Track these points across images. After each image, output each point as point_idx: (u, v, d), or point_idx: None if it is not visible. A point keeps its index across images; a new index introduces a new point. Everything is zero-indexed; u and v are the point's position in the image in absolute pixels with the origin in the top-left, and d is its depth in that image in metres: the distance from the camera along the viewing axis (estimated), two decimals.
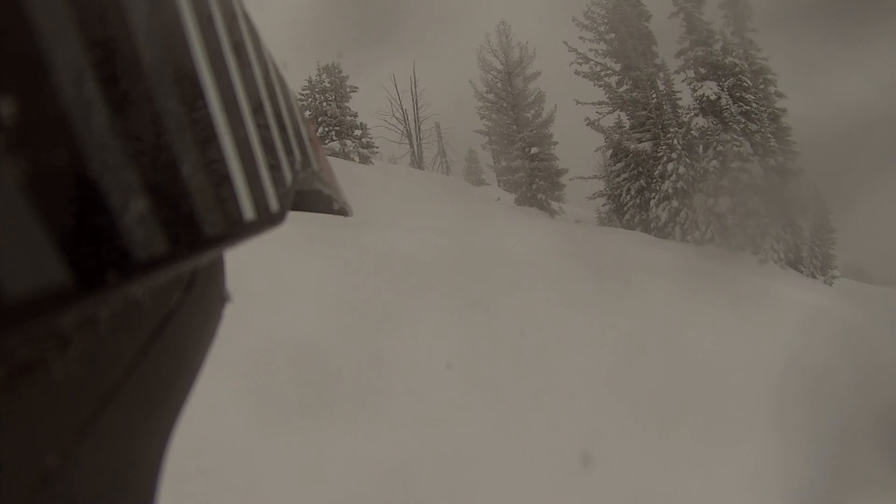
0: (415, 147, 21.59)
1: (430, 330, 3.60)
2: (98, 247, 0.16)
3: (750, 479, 2.99)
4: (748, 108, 14.38)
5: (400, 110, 22.86)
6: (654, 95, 15.24)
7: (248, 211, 0.27)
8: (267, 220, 0.29)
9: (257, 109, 0.32)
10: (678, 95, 15.65)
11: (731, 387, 4.33)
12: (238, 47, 0.30)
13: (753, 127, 14.35)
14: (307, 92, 18.39)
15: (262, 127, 0.32)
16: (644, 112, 15.18)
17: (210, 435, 2.71)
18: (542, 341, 3.95)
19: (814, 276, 15.65)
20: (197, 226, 0.22)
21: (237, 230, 0.25)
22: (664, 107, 15.15)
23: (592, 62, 15.26)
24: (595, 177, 16.53)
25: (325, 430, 2.81)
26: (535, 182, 15.73)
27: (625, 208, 15.40)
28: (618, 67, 15.33)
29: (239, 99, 0.28)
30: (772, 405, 4.03)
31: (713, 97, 14.09)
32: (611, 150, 15.59)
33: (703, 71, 14.57)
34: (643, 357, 4.34)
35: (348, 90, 17.97)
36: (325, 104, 17.80)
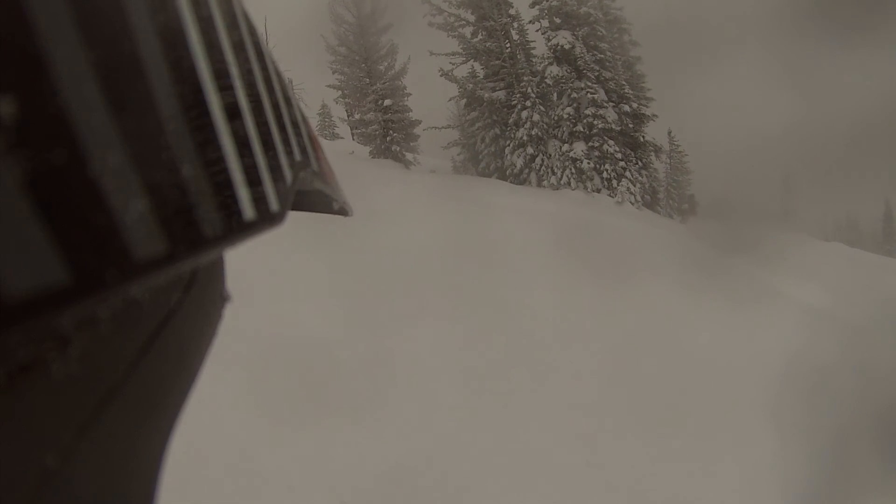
0: None
1: (430, 329, 3.61)
2: (98, 247, 0.16)
3: (750, 479, 2.99)
4: (602, 56, 15.01)
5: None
6: (509, 45, 15.56)
7: (248, 211, 0.27)
8: (267, 220, 0.29)
9: (257, 109, 0.32)
10: (532, 45, 16.11)
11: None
12: (238, 47, 0.30)
13: (608, 75, 15.01)
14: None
15: (262, 127, 0.32)
16: (498, 62, 15.50)
17: (210, 434, 2.72)
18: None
19: (671, 216, 16.39)
20: (197, 226, 0.22)
21: (237, 230, 0.25)
22: (518, 56, 15.55)
23: (446, 13, 15.47)
24: (449, 126, 16.72)
25: (325, 430, 2.81)
26: (390, 134, 15.78)
27: (480, 157, 15.82)
28: (472, 18, 15.56)
29: (239, 99, 0.28)
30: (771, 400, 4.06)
31: (567, 46, 14.59)
32: (465, 100, 15.93)
33: (557, 21, 15.03)
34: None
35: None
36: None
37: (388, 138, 15.76)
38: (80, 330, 0.18)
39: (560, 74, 14.80)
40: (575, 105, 14.60)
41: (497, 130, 15.44)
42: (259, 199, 0.28)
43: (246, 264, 3.57)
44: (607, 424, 3.12)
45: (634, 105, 15.48)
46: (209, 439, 2.64)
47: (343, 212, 0.69)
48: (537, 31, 15.53)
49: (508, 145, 14.96)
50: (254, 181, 0.28)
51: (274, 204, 0.31)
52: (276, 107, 0.37)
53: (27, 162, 0.14)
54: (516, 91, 15.10)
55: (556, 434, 2.98)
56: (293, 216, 0.41)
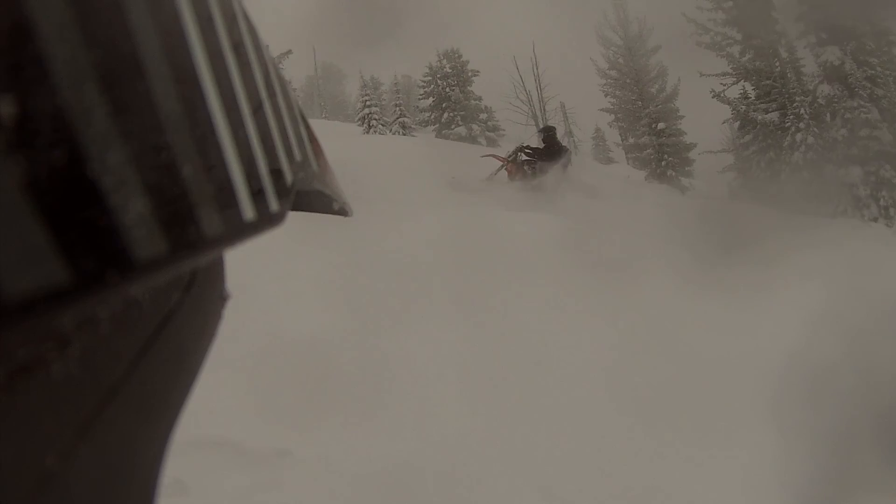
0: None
1: (431, 328, 3.60)
2: (98, 247, 0.16)
3: (751, 478, 3.00)
4: (873, 72, 13.59)
5: (524, 91, 22.02)
6: (778, 63, 14.42)
7: (248, 211, 0.27)
8: (267, 220, 0.29)
9: (257, 109, 0.32)
10: (802, 63, 14.67)
11: None
12: (238, 47, 0.30)
13: (880, 92, 13.55)
14: (429, 78, 18.30)
15: (262, 127, 0.32)
16: (769, 81, 14.39)
17: (210, 434, 2.71)
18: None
19: None
20: (197, 226, 0.22)
21: (237, 230, 0.25)
22: (788, 75, 14.32)
23: (713, 32, 14.40)
24: (724, 150, 15.61)
25: (325, 429, 2.81)
26: (665, 158, 15.31)
27: (756, 182, 14.43)
28: (739, 36, 14.45)
29: (239, 99, 0.28)
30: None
31: (836, 62, 13.32)
32: (738, 123, 14.80)
33: (824, 36, 13.65)
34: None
35: (470, 74, 17.72)
36: (447, 90, 17.69)
37: (662, 162, 15.30)
38: (80, 330, 0.18)
39: (831, 93, 13.36)
40: (849, 126, 13.09)
41: (772, 154, 14.10)
42: (259, 200, 0.28)
43: (246, 264, 3.56)
44: (608, 423, 3.12)
45: None
46: (209, 438, 2.64)
47: (343, 212, 0.69)
48: (804, 47, 14.05)
49: (784, 170, 13.56)
50: (254, 181, 0.28)
51: (274, 204, 0.31)
52: (276, 107, 0.37)
53: (27, 162, 0.14)
54: (789, 112, 13.75)
55: (556, 433, 2.98)
56: (293, 216, 0.41)
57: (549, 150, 9.51)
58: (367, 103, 18.10)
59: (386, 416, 2.91)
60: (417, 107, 19.89)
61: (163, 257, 0.19)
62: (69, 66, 0.16)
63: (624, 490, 2.70)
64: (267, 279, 3.71)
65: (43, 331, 0.17)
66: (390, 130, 17.43)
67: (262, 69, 0.36)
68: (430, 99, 18.60)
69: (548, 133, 9.86)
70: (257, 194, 0.28)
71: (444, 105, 17.99)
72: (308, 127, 0.52)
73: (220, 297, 0.36)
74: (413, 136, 16.60)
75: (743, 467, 3.12)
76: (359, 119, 17.98)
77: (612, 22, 16.65)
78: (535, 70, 21.37)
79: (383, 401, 2.99)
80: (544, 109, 21.52)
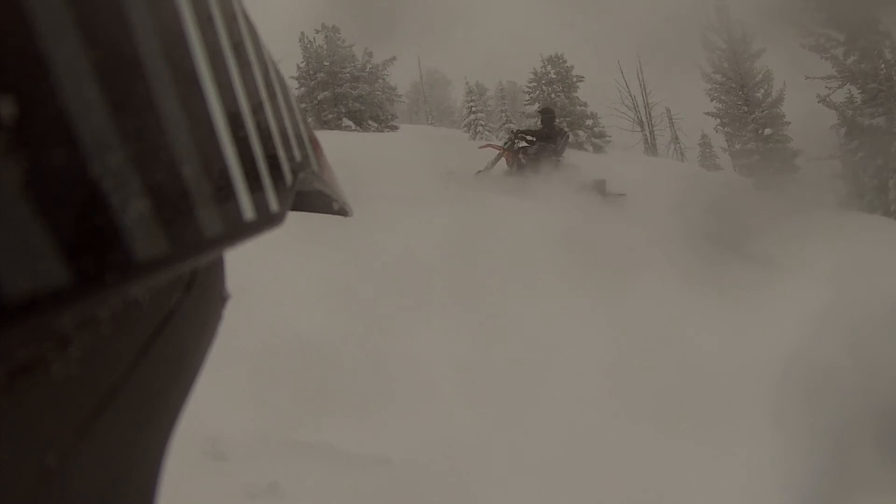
0: (647, 134, 20.70)
1: (431, 328, 3.60)
2: (98, 247, 0.16)
3: (751, 478, 3.00)
4: None
5: (629, 97, 21.48)
6: (883, 66, 13.79)
7: (248, 211, 0.27)
8: (267, 220, 0.29)
9: (257, 109, 0.32)
10: None
11: None
12: (238, 47, 0.30)
13: None
14: (534, 84, 18.08)
15: (262, 127, 0.32)
16: (874, 85, 13.72)
17: (306, 437, 2.70)
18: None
19: None
20: (197, 226, 0.22)
21: (237, 230, 0.25)
22: (894, 77, 13.66)
23: (816, 34, 13.77)
24: (831, 157, 14.84)
25: (326, 429, 2.81)
26: (772, 165, 14.63)
27: (863, 190, 13.90)
28: (842, 38, 13.85)
29: (239, 99, 0.28)
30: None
31: None
32: (845, 128, 14.03)
33: None
34: None
35: (574, 80, 17.56)
36: (552, 95, 17.38)
37: (769, 170, 14.55)
38: (80, 330, 0.18)
39: None
40: None
41: (880, 161, 13.44)
42: (259, 200, 0.28)
43: (246, 264, 3.56)
44: (608, 423, 3.12)
45: None
46: (210, 438, 2.64)
47: (343, 212, 0.69)
48: None
49: (893, 177, 13.04)
50: (254, 181, 0.28)
51: (274, 204, 0.31)
52: (276, 107, 0.37)
53: (27, 162, 0.14)
54: None
55: (556, 432, 2.98)
56: (293, 216, 0.41)
57: (547, 132, 9.34)
58: (473, 109, 17.99)
59: (386, 415, 2.91)
60: (523, 112, 19.39)
61: (163, 257, 0.19)
62: (69, 66, 0.16)
63: (624, 489, 2.70)
64: (267, 279, 3.71)
65: (43, 331, 0.17)
66: (496, 136, 17.05)
67: (262, 69, 0.36)
68: (536, 105, 18.01)
69: (546, 115, 9.72)
70: (257, 194, 0.28)
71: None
72: (308, 127, 0.52)
73: (221, 298, 0.36)
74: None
75: (744, 467, 3.12)
76: (465, 125, 17.90)
77: (714, 24, 16.05)
78: (640, 75, 20.81)
79: (383, 399, 2.99)
80: (650, 115, 20.96)
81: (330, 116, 17.45)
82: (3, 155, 0.14)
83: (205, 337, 0.33)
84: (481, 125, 17.66)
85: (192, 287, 0.29)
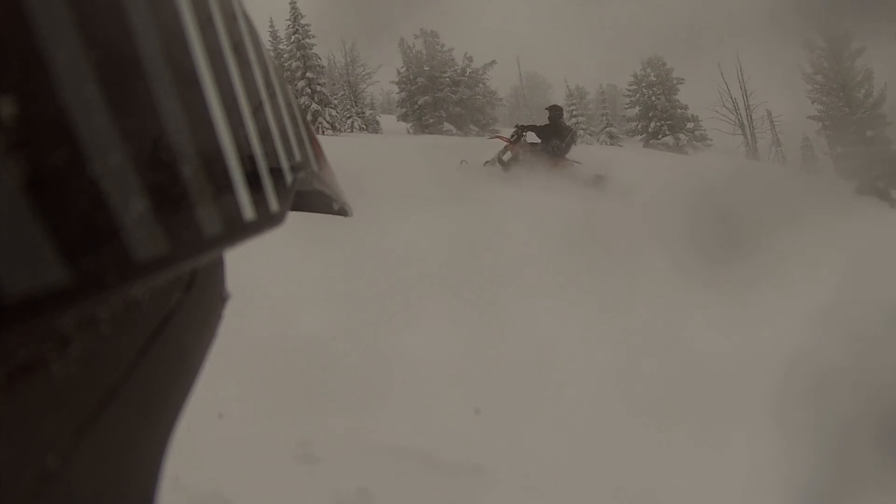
0: (748, 137, 20.03)
1: (431, 328, 3.60)
2: (98, 247, 0.16)
3: (752, 478, 3.00)
4: None
5: (730, 99, 20.66)
6: None
7: (248, 211, 0.27)
8: (267, 220, 0.29)
9: (257, 110, 0.32)
10: None
11: None
12: (238, 47, 0.30)
13: None
14: (634, 87, 17.98)
15: (262, 127, 0.32)
16: None
17: (397, 443, 2.69)
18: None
19: None
20: (197, 226, 0.22)
21: (237, 230, 0.25)
22: None
23: None
24: None
25: (326, 430, 2.81)
26: (875, 168, 14.05)
27: None
28: None
29: (239, 99, 0.28)
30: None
31: None
32: None
33: None
34: None
35: (675, 82, 17.38)
36: (653, 98, 17.26)
37: (872, 173, 14.04)
38: (80, 330, 0.18)
39: None
40: None
41: None
42: (259, 200, 0.28)
43: (246, 264, 3.57)
44: (609, 423, 3.12)
45: None
46: (210, 438, 2.64)
47: (343, 212, 0.69)
48: None
49: None
50: (254, 182, 0.28)
51: (274, 204, 0.31)
52: (276, 107, 0.37)
53: (27, 162, 0.14)
54: None
55: (556, 431, 2.98)
56: (293, 216, 0.41)
57: (553, 128, 9.44)
58: (574, 113, 17.80)
59: (386, 416, 2.91)
60: (624, 116, 19.30)
61: (163, 258, 0.19)
62: (69, 67, 0.16)
63: (624, 489, 2.70)
64: (267, 279, 3.71)
65: (43, 331, 0.17)
66: (597, 140, 17.04)
67: (262, 69, 0.36)
68: (637, 108, 18.16)
69: (554, 112, 9.81)
70: (257, 194, 0.28)
71: (650, 114, 17.52)
72: (308, 127, 0.52)
73: (221, 298, 0.36)
74: (620, 146, 15.98)
75: (744, 466, 3.12)
76: None
77: (814, 24, 15.35)
78: (740, 77, 20.12)
79: (383, 400, 2.99)
80: (751, 117, 20.43)
81: (431, 121, 17.66)
82: (3, 155, 0.14)
83: (205, 337, 0.33)
84: (582, 129, 17.28)
85: (192, 287, 0.29)
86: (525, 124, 9.66)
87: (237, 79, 0.29)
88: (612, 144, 16.70)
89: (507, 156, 9.12)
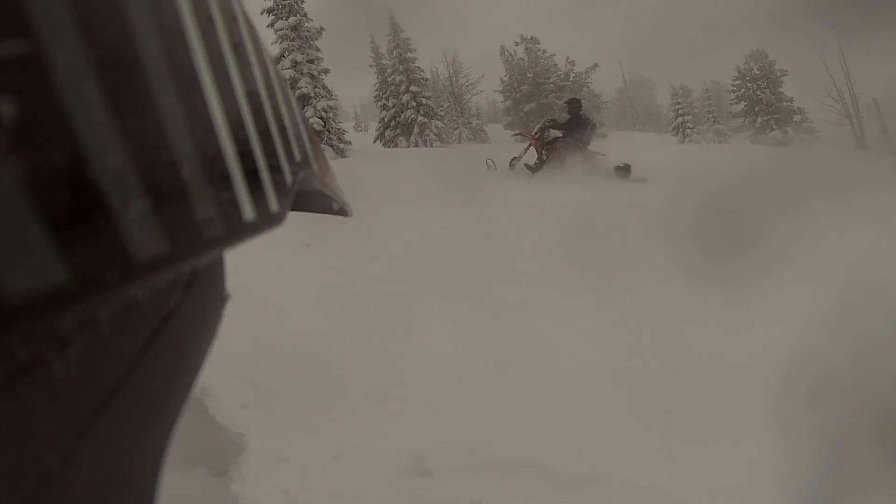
0: (855, 127, 19.04)
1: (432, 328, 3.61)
2: (98, 247, 0.16)
3: (752, 478, 3.00)
4: None
5: (835, 89, 19.54)
6: None
7: (248, 211, 0.27)
8: (267, 220, 0.29)
9: (257, 110, 0.32)
10: None
11: None
12: (238, 47, 0.30)
13: None
14: (738, 82, 17.55)
15: (262, 127, 0.32)
16: None
17: (510, 454, 2.67)
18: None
19: None
20: (197, 226, 0.22)
21: (237, 230, 0.25)
22: None
23: None
24: None
25: (327, 430, 2.81)
26: None
27: None
28: None
29: (239, 99, 0.28)
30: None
31: None
32: None
33: None
34: None
35: (779, 74, 16.96)
36: (758, 92, 16.80)
37: None
38: (80, 330, 0.18)
39: None
40: None
41: None
42: (259, 200, 0.28)
43: (246, 264, 3.56)
44: (609, 422, 3.12)
45: None
46: (212, 437, 2.65)
47: (343, 212, 0.69)
48: None
49: None
50: (254, 182, 0.28)
51: (274, 204, 0.31)
52: (276, 108, 0.37)
53: (28, 163, 0.14)
54: None
55: (556, 430, 2.98)
56: (293, 216, 0.41)
57: (574, 122, 9.60)
58: (680, 112, 17.49)
59: (386, 416, 2.91)
60: (730, 112, 18.74)
61: (163, 258, 0.19)
62: (69, 67, 0.16)
63: (624, 489, 2.70)
64: (268, 279, 3.71)
65: (43, 331, 0.17)
66: (705, 138, 16.60)
67: (262, 69, 0.36)
68: (742, 104, 17.66)
69: (573, 105, 9.97)
70: (257, 194, 0.28)
71: (756, 109, 17.07)
72: (308, 127, 0.52)
73: (221, 298, 0.36)
74: (728, 143, 15.36)
75: (745, 466, 3.11)
76: (672, 128, 17.39)
77: None
78: (843, 65, 19.12)
79: (384, 400, 3.00)
80: (857, 107, 19.43)
81: (537, 128, 17.28)
82: (3, 155, 0.14)
83: (205, 337, 0.33)
84: (689, 127, 17.06)
85: (192, 287, 0.29)
86: (548, 120, 9.85)
87: (237, 79, 0.29)
88: (720, 142, 16.06)
89: (526, 156, 9.34)
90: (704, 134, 17.45)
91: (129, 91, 0.19)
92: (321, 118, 11.90)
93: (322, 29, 12.32)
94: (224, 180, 0.25)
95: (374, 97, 16.58)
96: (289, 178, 0.36)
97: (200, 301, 0.31)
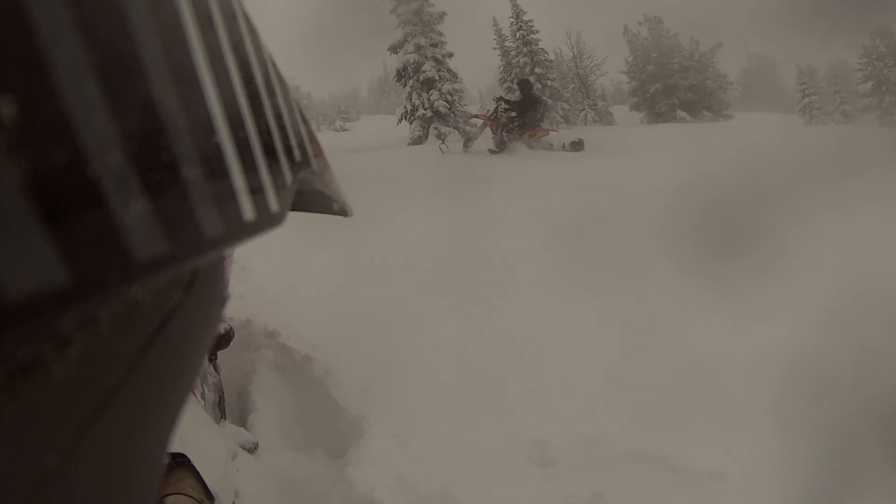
0: None
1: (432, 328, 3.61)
2: (98, 247, 0.16)
3: (752, 478, 3.00)
4: None
5: None
6: None
7: (248, 211, 0.27)
8: (267, 220, 0.29)
9: (257, 110, 0.32)
10: None
11: None
12: (238, 47, 0.30)
13: None
14: (864, 61, 16.92)
15: (262, 127, 0.32)
16: None
17: (633, 448, 2.64)
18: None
19: None
20: (197, 226, 0.22)
21: (237, 230, 0.25)
22: None
23: None
24: None
25: (447, 415, 2.80)
26: None
27: None
28: None
29: (238, 99, 0.28)
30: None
31: None
32: None
33: None
34: None
35: None
36: (885, 71, 16.21)
37: None
38: (81, 330, 0.18)
39: None
40: None
41: None
42: (259, 200, 0.28)
43: (247, 264, 3.56)
44: (609, 422, 3.12)
45: None
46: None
47: (343, 212, 0.69)
48: None
49: None
50: (254, 182, 0.28)
51: (274, 204, 0.31)
52: (276, 108, 0.37)
53: (27, 162, 0.14)
54: None
55: (556, 431, 2.98)
56: (293, 216, 0.41)
57: (527, 102, 9.94)
58: (807, 92, 16.75)
59: (386, 416, 2.91)
60: (857, 92, 17.84)
61: (163, 258, 0.19)
62: (69, 67, 0.16)
63: (627, 489, 2.70)
64: (267, 279, 3.71)
65: (43, 331, 0.17)
66: (832, 119, 15.92)
67: (262, 69, 0.36)
68: (869, 83, 16.94)
69: (524, 86, 10.36)
70: (257, 194, 0.28)
71: (883, 88, 16.39)
72: (308, 127, 0.52)
73: (221, 298, 0.36)
74: (855, 124, 14.26)
75: (745, 467, 3.11)
76: (799, 109, 16.66)
77: None
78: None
79: (384, 400, 3.00)
80: None
81: (663, 109, 17.04)
82: (3, 155, 0.14)
83: (205, 337, 0.33)
84: (816, 108, 16.33)
85: (192, 287, 0.29)
86: (500, 98, 10.08)
87: (237, 79, 0.29)
88: (846, 123, 15.14)
89: (478, 133, 9.63)
90: (831, 115, 16.75)
91: (130, 91, 0.19)
92: (446, 101, 11.97)
93: (444, 13, 12.36)
94: (224, 180, 0.25)
95: (499, 80, 16.35)
96: (289, 178, 0.36)
97: (201, 301, 0.31)
